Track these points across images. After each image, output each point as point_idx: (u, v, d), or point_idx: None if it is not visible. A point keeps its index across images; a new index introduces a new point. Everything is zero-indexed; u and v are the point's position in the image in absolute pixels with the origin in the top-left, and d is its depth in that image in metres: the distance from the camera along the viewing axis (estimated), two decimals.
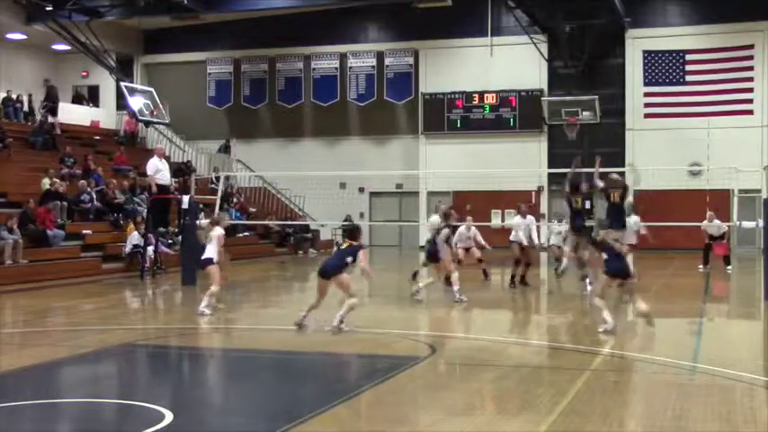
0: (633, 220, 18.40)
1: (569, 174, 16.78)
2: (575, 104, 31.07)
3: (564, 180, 16.97)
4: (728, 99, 31.09)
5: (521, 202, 19.97)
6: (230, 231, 27.92)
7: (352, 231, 12.14)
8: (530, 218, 18.24)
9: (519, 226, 17.73)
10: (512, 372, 9.34)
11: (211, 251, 13.67)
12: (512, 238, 17.71)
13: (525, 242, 17.54)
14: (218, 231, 13.77)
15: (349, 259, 11.64)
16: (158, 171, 19.65)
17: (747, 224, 18.11)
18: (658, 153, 30.81)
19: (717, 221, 21.43)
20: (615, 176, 15.67)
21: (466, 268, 17.97)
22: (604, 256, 11.81)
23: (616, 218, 14.81)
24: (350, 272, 11.89)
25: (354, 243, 11.77)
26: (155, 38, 36.11)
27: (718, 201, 25.15)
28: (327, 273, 11.66)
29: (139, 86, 29.40)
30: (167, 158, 23.06)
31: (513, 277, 17.44)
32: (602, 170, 15.94)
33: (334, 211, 30.73)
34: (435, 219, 16.27)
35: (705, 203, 22.34)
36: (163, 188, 19.85)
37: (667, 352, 10.22)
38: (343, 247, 11.89)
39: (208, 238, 13.79)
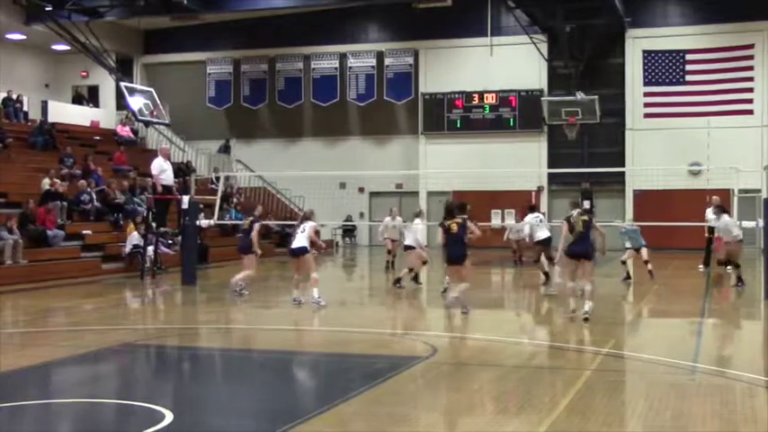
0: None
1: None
2: (575, 104, 31.05)
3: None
4: (728, 99, 31.07)
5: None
6: (230, 231, 28.01)
7: (451, 210, 13.51)
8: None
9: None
10: (512, 372, 9.34)
11: (303, 240, 14.29)
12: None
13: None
14: (311, 223, 14.58)
15: (466, 238, 13.00)
16: (163, 171, 19.68)
17: (747, 224, 18.10)
18: (658, 153, 30.81)
19: None
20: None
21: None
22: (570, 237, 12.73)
23: None
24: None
25: (460, 221, 13.16)
26: (155, 38, 36.11)
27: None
28: (455, 261, 13.13)
29: (139, 86, 29.36)
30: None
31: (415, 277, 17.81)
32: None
33: (335, 211, 30.74)
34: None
35: (705, 203, 22.28)
36: (167, 188, 19.87)
37: (667, 352, 10.23)
38: (454, 232, 13.06)
39: (300, 228, 14.51)
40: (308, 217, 14.92)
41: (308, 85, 35.26)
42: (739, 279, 17.86)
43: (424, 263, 18.07)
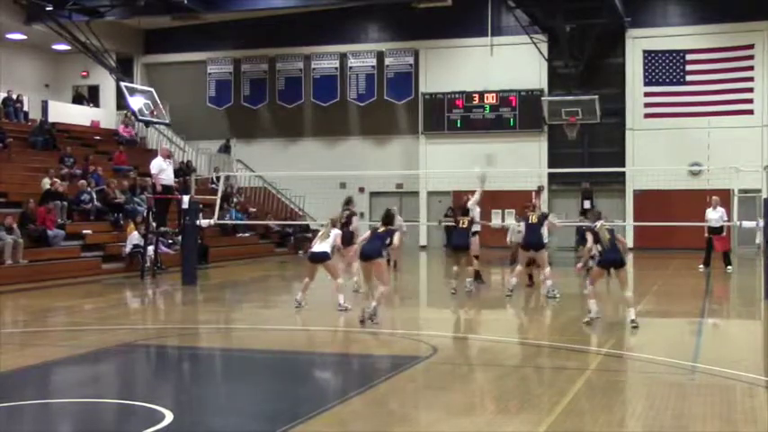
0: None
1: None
2: (575, 104, 31.05)
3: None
4: (728, 99, 31.05)
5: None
6: (230, 231, 28.04)
7: (388, 216, 13.11)
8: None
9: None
10: (512, 372, 9.34)
11: (326, 246, 14.14)
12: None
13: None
14: (336, 231, 14.45)
15: (387, 241, 12.64)
16: (162, 171, 19.66)
17: (747, 224, 18.12)
18: (658, 153, 30.80)
19: (720, 209, 21.40)
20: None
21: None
22: (598, 246, 12.31)
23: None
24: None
25: (390, 227, 12.87)
26: (155, 38, 36.10)
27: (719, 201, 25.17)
28: (369, 255, 12.44)
29: (139, 86, 29.36)
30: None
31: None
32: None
33: (335, 211, 30.68)
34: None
35: (705, 203, 22.31)
36: (167, 188, 19.85)
37: (667, 352, 10.23)
38: (380, 231, 12.77)
39: (324, 234, 14.29)
40: (335, 224, 14.84)
41: (309, 85, 35.25)
42: None
43: (476, 257, 17.69)
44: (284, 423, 6.88)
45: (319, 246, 14.17)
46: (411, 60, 34.12)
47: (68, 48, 30.55)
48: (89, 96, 34.73)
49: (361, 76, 34.56)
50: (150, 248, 20.39)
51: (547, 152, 32.77)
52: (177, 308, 16.08)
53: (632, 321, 11.91)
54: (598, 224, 12.42)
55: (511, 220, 18.74)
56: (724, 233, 21.92)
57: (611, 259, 12.19)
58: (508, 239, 19.73)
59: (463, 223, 16.42)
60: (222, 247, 26.30)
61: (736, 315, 15.21)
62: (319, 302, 14.63)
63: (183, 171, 27.79)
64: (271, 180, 33.36)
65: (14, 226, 19.47)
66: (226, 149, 35.20)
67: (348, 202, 16.60)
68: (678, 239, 27.17)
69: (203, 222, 19.99)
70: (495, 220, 29.18)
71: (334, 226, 14.55)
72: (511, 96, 33.04)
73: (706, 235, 21.71)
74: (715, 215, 21.34)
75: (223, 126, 36.24)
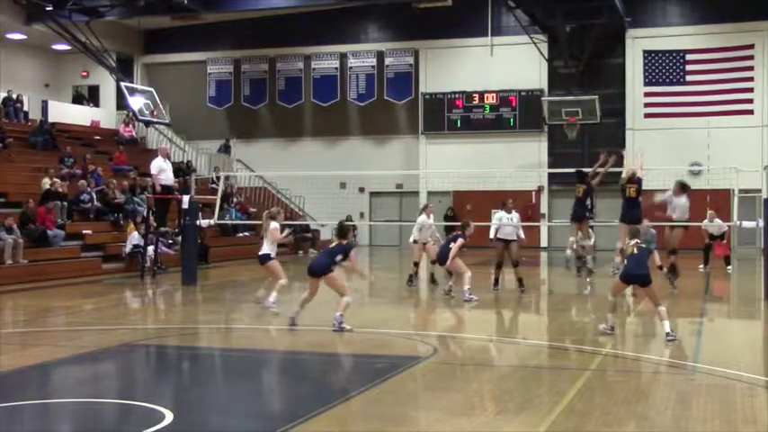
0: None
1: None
2: (575, 104, 31.03)
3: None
4: (728, 99, 31.07)
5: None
6: (230, 231, 28.04)
7: (341, 230, 12.11)
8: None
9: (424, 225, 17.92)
10: (512, 372, 9.34)
11: (267, 247, 13.81)
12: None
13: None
14: (273, 225, 13.82)
15: (339, 257, 11.73)
16: (162, 171, 19.67)
17: (747, 224, 18.12)
18: (658, 153, 30.74)
19: (717, 221, 21.44)
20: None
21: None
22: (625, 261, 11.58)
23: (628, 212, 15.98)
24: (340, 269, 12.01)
25: (344, 241, 11.88)
26: (155, 38, 36.12)
27: (719, 201, 25.14)
28: (316, 272, 11.78)
29: (139, 86, 29.38)
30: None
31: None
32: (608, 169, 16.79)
33: (335, 211, 30.71)
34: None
35: (705, 203, 22.31)
36: (167, 188, 19.84)
37: (667, 352, 10.23)
38: (332, 246, 11.94)
39: (264, 232, 13.87)
40: (273, 217, 14.12)
41: (309, 85, 35.27)
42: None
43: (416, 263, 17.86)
44: (284, 423, 6.88)
45: (262, 247, 13.86)
46: (411, 60, 34.13)
47: (68, 48, 30.56)
48: (89, 96, 34.77)
49: (361, 76, 34.58)
50: (150, 248, 20.38)
51: (547, 152, 32.77)
52: (177, 308, 16.08)
53: (668, 335, 10.83)
54: (632, 242, 11.78)
55: (501, 214, 17.64)
56: (725, 240, 22.03)
57: (633, 275, 11.22)
58: (492, 233, 18.00)
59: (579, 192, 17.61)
60: (222, 247, 26.30)
61: (737, 315, 15.21)
62: (319, 303, 14.60)
63: (182, 171, 27.79)
64: (271, 180, 33.37)
65: (14, 226, 19.48)
66: (226, 149, 35.21)
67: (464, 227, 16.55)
68: (678, 239, 27.12)
69: (203, 222, 19.98)
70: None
71: (272, 219, 13.93)
72: (511, 96, 33.06)
73: (706, 241, 21.75)
74: (714, 228, 21.47)
75: (223, 126, 36.27)
